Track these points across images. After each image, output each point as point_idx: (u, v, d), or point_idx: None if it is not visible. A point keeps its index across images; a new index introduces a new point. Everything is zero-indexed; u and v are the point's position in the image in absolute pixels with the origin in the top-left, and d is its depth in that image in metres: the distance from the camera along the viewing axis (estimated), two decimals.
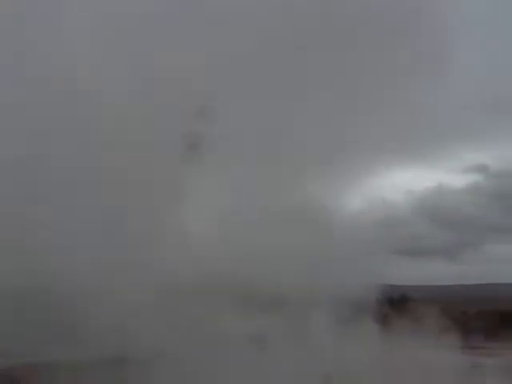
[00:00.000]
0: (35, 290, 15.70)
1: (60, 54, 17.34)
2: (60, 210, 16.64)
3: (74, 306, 15.55)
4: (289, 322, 16.76)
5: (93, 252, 16.17)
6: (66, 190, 16.98)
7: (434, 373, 16.99)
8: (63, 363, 16.06)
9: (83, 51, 17.22)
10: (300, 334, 16.95)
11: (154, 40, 17.68)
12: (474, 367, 19.04)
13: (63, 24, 17.72)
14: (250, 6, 18.03)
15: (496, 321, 27.50)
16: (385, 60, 18.96)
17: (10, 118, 16.94)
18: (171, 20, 18.37)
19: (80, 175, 17.18)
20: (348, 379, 16.07)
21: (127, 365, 15.80)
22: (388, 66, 19.02)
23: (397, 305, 21.35)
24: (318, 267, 17.81)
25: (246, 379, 14.87)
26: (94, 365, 16.03)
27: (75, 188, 17.13)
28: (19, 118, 17.05)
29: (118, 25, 17.66)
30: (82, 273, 15.83)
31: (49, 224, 16.26)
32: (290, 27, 18.15)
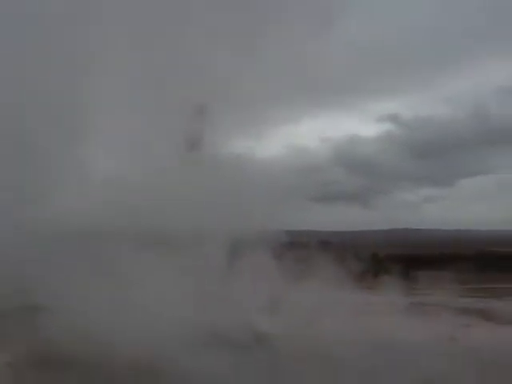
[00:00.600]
0: None
1: None
2: None
3: None
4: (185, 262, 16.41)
5: None
6: None
7: (346, 312, 17.25)
8: None
9: None
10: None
11: None
12: (386, 306, 19.56)
13: None
14: None
15: (404, 263, 27.66)
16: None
17: None
18: None
19: None
20: None
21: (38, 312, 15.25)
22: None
23: (311, 249, 21.26)
24: (230, 211, 17.68)
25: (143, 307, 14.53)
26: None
27: None
28: None
29: None
30: None
31: None
32: None
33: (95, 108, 18.01)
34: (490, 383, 12.11)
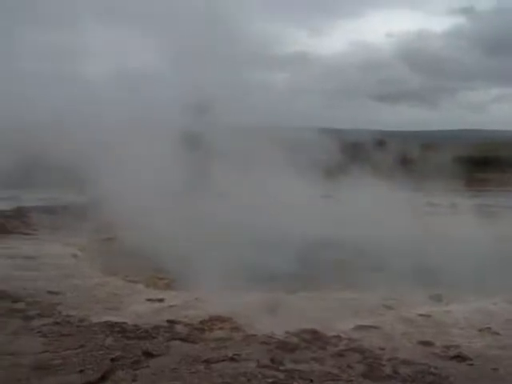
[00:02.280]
0: None
1: None
2: None
3: None
4: None
5: None
6: None
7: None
8: None
9: None
10: None
11: None
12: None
13: None
14: None
15: (469, 164, 27.15)
16: None
17: None
18: None
19: None
20: None
21: None
22: None
23: (376, 148, 21.84)
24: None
25: None
26: None
27: None
28: None
29: None
30: None
31: None
32: None
33: None
34: None
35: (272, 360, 6.01)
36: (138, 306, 8.42)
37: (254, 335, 6.99)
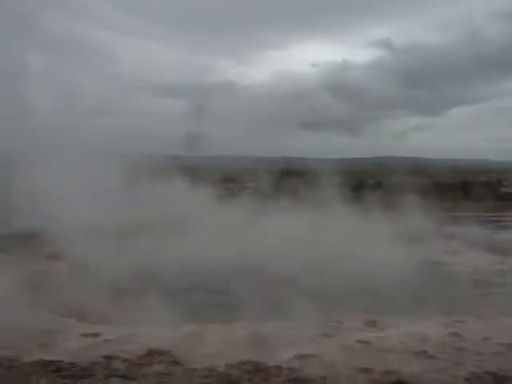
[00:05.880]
0: None
1: None
2: None
3: None
4: None
5: None
6: None
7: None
8: None
9: None
10: None
11: None
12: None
13: None
14: None
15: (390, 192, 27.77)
16: None
17: None
18: None
19: None
20: None
21: None
22: None
23: (298, 176, 22.38)
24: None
25: None
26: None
27: None
28: None
29: None
30: None
31: None
32: None
33: None
34: None
35: None
36: (72, 342, 8.08)
37: (195, 369, 6.88)
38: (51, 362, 6.83)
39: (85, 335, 8.49)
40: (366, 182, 47.19)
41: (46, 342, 7.99)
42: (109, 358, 7.19)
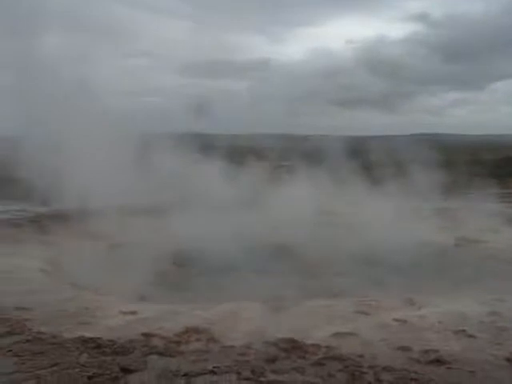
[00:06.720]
0: None
1: None
2: None
3: None
4: None
5: None
6: None
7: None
8: None
9: None
10: None
11: None
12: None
13: None
14: None
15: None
16: None
17: None
18: None
19: None
20: None
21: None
22: None
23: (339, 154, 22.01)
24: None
25: None
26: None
27: None
28: None
29: None
30: None
31: None
32: None
33: None
34: None
35: (253, 372, 5.93)
36: (111, 320, 8.22)
37: (232, 346, 6.91)
38: (91, 338, 6.94)
39: (123, 313, 8.61)
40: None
41: (85, 319, 8.15)
42: (147, 335, 7.27)
